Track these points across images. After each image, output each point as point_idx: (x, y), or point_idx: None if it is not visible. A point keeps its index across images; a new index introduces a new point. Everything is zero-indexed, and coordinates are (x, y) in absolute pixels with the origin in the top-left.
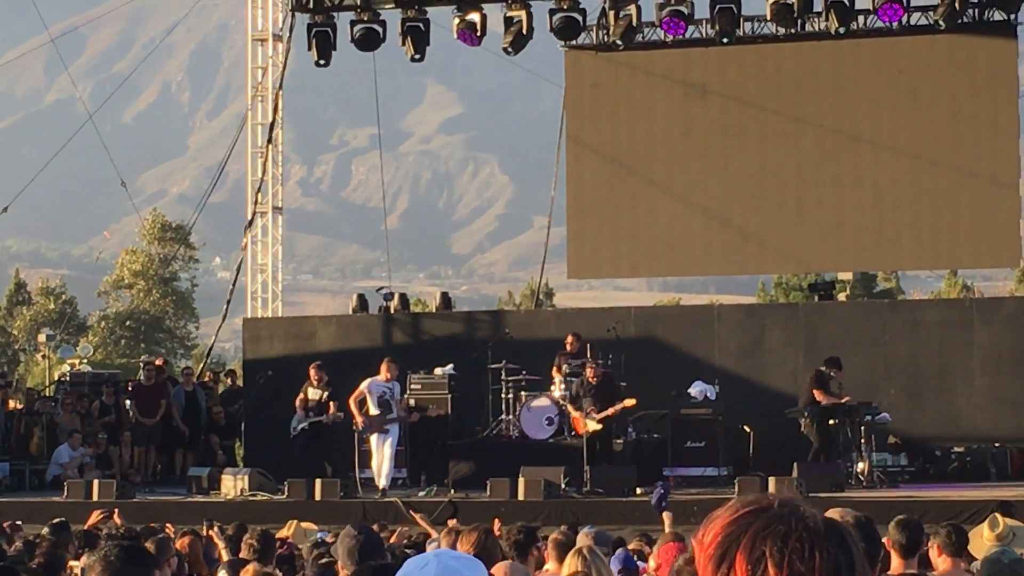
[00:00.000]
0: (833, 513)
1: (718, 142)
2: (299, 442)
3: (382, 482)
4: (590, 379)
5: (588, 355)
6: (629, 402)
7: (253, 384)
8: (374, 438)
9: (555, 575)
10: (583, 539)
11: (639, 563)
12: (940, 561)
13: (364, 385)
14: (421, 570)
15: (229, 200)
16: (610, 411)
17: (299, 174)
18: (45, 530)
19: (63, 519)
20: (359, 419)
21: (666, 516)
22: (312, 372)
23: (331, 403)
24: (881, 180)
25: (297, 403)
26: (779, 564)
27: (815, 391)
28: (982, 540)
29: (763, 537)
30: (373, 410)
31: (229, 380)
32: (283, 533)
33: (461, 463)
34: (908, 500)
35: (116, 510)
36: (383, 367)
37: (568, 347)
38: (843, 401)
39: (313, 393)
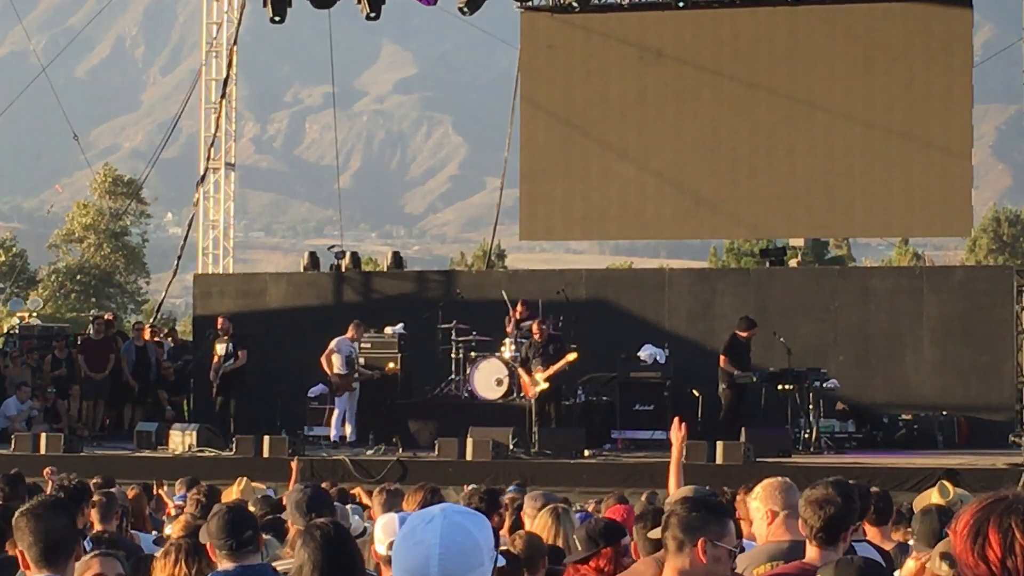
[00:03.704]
0: (772, 481)
1: (672, 106)
2: (218, 401)
3: (351, 435)
4: (536, 338)
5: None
6: (571, 356)
7: (203, 340)
8: (343, 395)
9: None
10: (528, 502)
11: None
12: (868, 529)
13: (333, 343)
14: (427, 525)
15: (181, 156)
16: (552, 368)
17: (252, 131)
18: None
19: (17, 470)
20: (332, 376)
21: None
22: (219, 323)
23: (239, 351)
24: (834, 147)
25: (213, 363)
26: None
27: (721, 357)
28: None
29: (1007, 513)
30: (340, 368)
31: (170, 338)
32: (232, 491)
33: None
34: (855, 466)
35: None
36: (351, 328)
37: (517, 315)
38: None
39: (220, 348)
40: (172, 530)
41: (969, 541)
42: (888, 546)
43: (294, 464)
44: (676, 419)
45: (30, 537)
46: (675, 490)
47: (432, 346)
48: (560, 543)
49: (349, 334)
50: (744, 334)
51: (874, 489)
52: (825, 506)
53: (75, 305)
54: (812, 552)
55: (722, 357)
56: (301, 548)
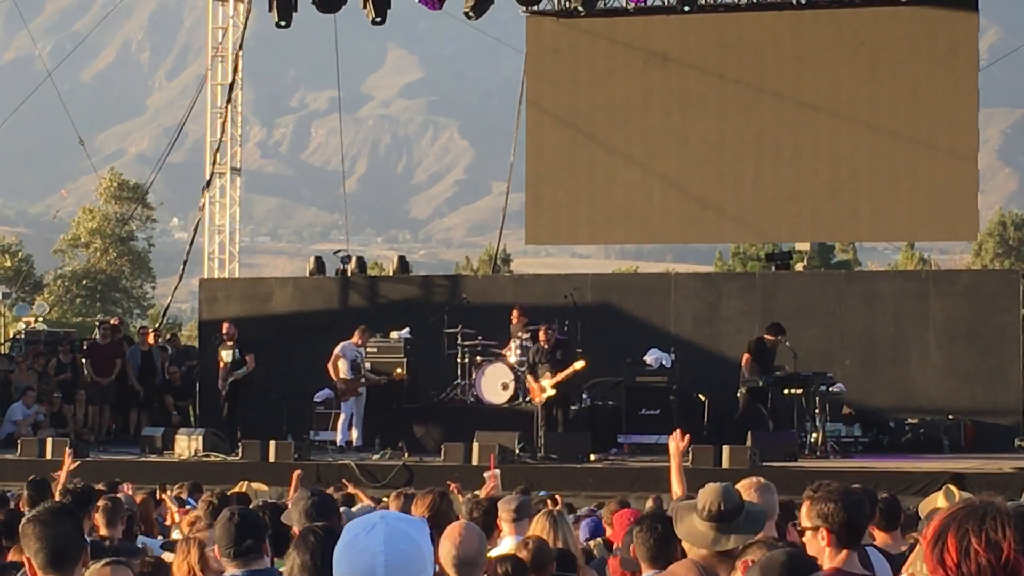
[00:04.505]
0: (746, 482)
1: (678, 110)
2: (226, 408)
3: (357, 440)
4: (543, 344)
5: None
6: (579, 365)
7: (208, 345)
8: (350, 400)
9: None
10: (503, 506)
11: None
12: (877, 534)
13: (338, 349)
14: (369, 532)
15: (187, 160)
16: (561, 376)
17: (258, 136)
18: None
19: (43, 478)
20: (336, 382)
21: None
22: (224, 328)
23: (247, 357)
24: (840, 151)
25: (220, 370)
26: (978, 535)
27: (745, 355)
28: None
29: (966, 519)
30: (346, 373)
31: (168, 337)
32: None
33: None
34: (861, 470)
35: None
36: (357, 333)
37: (514, 320)
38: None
39: (226, 354)
40: (182, 526)
41: (931, 547)
42: (902, 548)
43: (294, 475)
44: (677, 431)
45: (36, 544)
46: (679, 493)
47: (438, 351)
48: (560, 546)
49: (354, 339)
50: (771, 338)
51: (883, 494)
52: (845, 499)
53: (81, 310)
54: (836, 558)
55: (745, 356)
56: (294, 550)
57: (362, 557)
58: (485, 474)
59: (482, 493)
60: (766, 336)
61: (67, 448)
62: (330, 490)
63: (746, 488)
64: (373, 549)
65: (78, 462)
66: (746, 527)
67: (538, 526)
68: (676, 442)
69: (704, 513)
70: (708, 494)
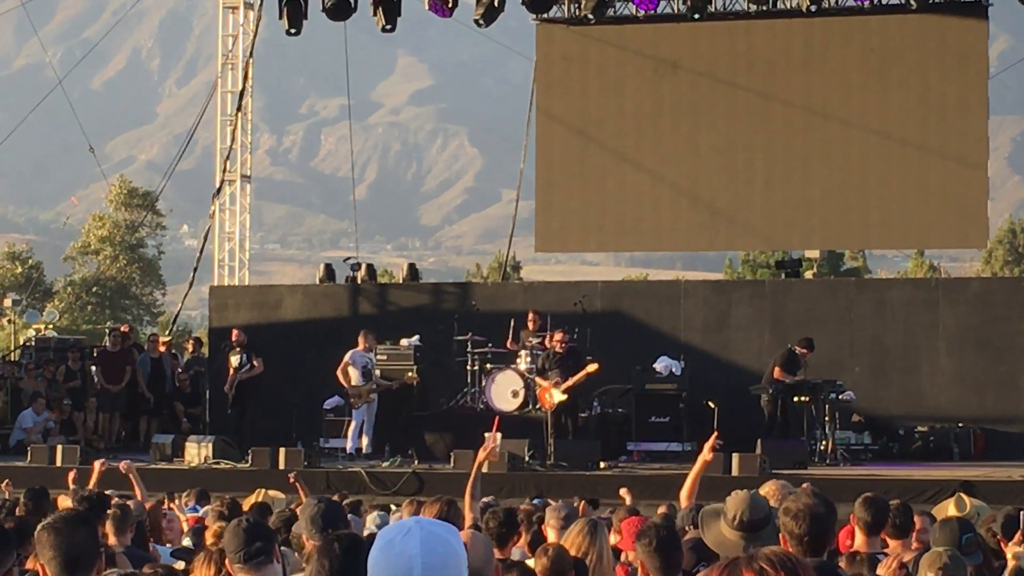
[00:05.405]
0: (769, 488)
1: (688, 118)
2: (233, 413)
3: (367, 447)
4: (557, 349)
5: (549, 330)
6: (591, 368)
7: (218, 352)
8: (362, 407)
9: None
10: (551, 514)
11: None
12: (890, 542)
13: (347, 357)
14: (404, 536)
15: (197, 168)
16: (573, 380)
17: (268, 143)
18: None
19: (43, 486)
20: (348, 390)
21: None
22: (233, 335)
23: (255, 361)
24: (850, 159)
25: (229, 377)
26: (756, 572)
27: (776, 368)
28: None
29: (752, 560)
30: (357, 380)
31: (191, 347)
32: (249, 500)
33: (428, 435)
34: (871, 478)
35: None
36: (360, 338)
37: (530, 325)
38: (796, 379)
39: (235, 359)
40: (206, 537)
41: None
42: (907, 557)
43: (294, 479)
44: (713, 436)
45: (50, 551)
46: (686, 503)
47: (448, 358)
48: (593, 557)
49: (361, 346)
50: (804, 351)
51: (894, 502)
52: (808, 515)
53: (91, 317)
54: None
55: (776, 368)
56: (317, 560)
57: (399, 561)
58: (486, 434)
59: (481, 455)
60: (799, 348)
61: (99, 459)
62: (336, 497)
63: (771, 494)
64: (409, 552)
65: (105, 467)
66: (776, 537)
67: (575, 530)
68: (707, 453)
69: (734, 522)
70: (737, 503)
